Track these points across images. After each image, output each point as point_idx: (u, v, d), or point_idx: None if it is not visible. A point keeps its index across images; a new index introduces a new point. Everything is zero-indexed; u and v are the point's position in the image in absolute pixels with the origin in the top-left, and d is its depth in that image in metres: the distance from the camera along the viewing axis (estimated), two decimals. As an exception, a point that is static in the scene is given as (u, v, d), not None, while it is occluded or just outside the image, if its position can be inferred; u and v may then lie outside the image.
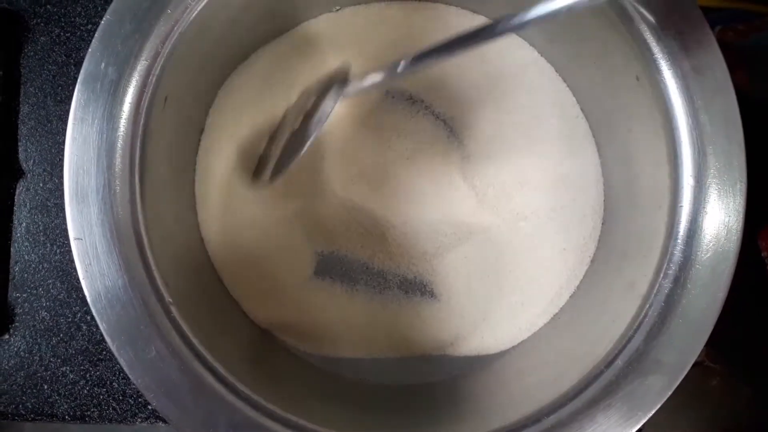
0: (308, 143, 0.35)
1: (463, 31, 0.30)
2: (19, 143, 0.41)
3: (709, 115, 0.31)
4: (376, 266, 0.41)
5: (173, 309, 0.31)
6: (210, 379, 0.31)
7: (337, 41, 0.41)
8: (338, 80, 0.34)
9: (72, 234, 0.30)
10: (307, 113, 0.35)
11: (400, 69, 0.32)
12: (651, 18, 0.31)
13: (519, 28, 0.28)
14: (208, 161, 0.40)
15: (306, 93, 0.37)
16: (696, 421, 0.50)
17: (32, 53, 0.42)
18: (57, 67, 0.42)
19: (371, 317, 0.40)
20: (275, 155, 0.37)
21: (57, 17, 0.42)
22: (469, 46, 0.30)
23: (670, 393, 0.30)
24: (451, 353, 0.40)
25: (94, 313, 0.30)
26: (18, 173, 0.41)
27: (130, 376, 0.30)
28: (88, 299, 0.30)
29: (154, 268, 0.31)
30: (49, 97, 0.42)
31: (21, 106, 0.41)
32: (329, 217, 0.40)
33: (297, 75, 0.41)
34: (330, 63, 0.40)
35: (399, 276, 0.41)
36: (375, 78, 0.33)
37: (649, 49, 0.31)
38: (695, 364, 0.31)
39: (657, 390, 0.30)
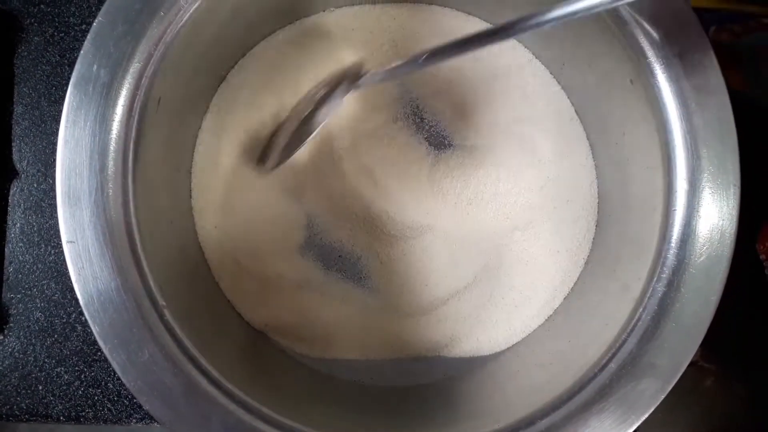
0: (315, 133, 0.35)
1: (474, 33, 0.29)
2: (13, 144, 0.41)
3: (702, 118, 0.31)
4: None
5: (166, 312, 0.31)
6: (203, 381, 0.31)
7: (331, 43, 0.40)
8: (350, 75, 0.35)
9: (64, 237, 0.30)
10: (317, 103, 0.36)
11: (408, 66, 0.32)
12: (645, 21, 0.31)
13: (536, 27, 0.27)
14: (205, 163, 0.40)
15: (318, 85, 0.38)
16: (690, 420, 0.50)
17: (26, 53, 0.42)
18: (51, 68, 0.41)
19: (366, 319, 0.40)
20: (281, 143, 0.38)
21: (51, 17, 0.42)
22: (478, 47, 0.29)
23: (663, 396, 0.30)
24: (446, 354, 0.40)
25: (87, 316, 0.30)
26: (12, 174, 0.41)
27: (123, 379, 0.30)
28: (81, 302, 0.30)
29: (147, 270, 0.31)
30: (43, 98, 0.41)
31: (15, 106, 0.41)
32: (327, 218, 0.40)
33: (293, 76, 0.40)
34: (325, 63, 0.40)
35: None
36: (383, 74, 0.34)
37: (642, 53, 0.31)
38: (690, 364, 0.31)
39: (650, 393, 0.30)
